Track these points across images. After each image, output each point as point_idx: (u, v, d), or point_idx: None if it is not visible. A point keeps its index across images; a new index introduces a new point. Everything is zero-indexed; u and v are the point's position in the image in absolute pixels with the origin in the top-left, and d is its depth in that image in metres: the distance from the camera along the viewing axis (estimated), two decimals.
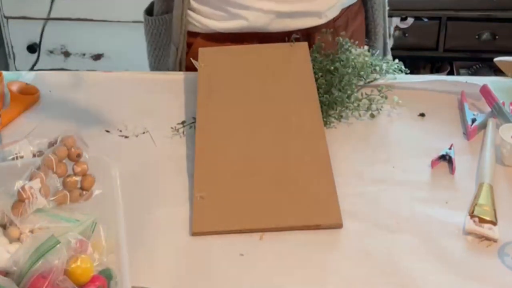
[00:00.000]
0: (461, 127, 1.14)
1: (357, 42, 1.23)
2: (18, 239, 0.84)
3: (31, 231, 0.84)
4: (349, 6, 1.33)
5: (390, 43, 1.44)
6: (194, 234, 0.94)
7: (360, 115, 1.16)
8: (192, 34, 1.30)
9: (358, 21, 1.35)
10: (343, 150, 1.09)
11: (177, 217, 0.97)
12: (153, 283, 0.87)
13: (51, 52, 2.73)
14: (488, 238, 0.92)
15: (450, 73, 2.74)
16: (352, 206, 0.97)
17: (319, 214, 0.95)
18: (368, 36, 1.39)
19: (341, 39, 1.23)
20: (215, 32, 1.28)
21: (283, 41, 1.25)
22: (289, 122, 1.08)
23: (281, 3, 1.23)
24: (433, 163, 1.05)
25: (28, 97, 1.21)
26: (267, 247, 0.92)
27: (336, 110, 1.16)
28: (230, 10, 1.24)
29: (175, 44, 1.30)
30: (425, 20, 2.69)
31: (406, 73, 1.23)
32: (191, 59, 1.25)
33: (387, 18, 1.40)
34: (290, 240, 0.93)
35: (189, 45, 1.31)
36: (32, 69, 2.70)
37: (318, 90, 1.14)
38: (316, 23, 1.27)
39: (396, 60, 1.22)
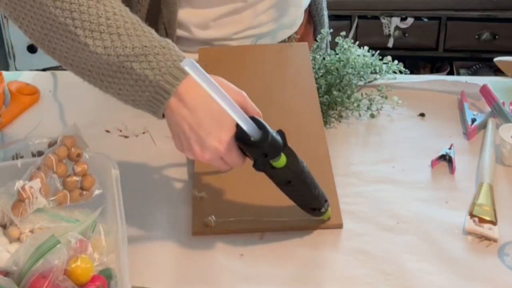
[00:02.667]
0: (461, 127, 1.14)
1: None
2: (18, 239, 0.84)
3: (31, 231, 0.84)
4: None
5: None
6: (194, 234, 0.94)
7: (360, 115, 1.16)
8: None
9: (306, 14, 1.36)
10: (343, 150, 1.09)
11: (177, 217, 0.97)
12: (153, 283, 0.87)
13: None
14: (488, 238, 0.92)
15: (450, 73, 2.75)
16: (352, 206, 0.97)
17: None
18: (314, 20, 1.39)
19: (341, 39, 1.23)
20: None
21: None
22: (289, 122, 1.08)
23: (260, 26, 1.24)
24: (433, 163, 1.05)
25: (28, 97, 1.21)
26: (267, 247, 0.92)
27: (336, 110, 1.16)
28: (214, 44, 1.24)
29: None
30: (425, 20, 2.69)
31: (406, 73, 1.23)
32: (192, 59, 1.25)
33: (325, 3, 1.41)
34: (290, 240, 0.93)
35: None
36: (32, 69, 2.70)
37: (318, 90, 1.14)
38: (291, 33, 1.29)
39: (396, 62, 1.22)
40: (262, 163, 0.83)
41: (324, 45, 1.28)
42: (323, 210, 0.92)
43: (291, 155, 0.85)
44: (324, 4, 1.37)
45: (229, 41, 1.23)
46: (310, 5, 1.35)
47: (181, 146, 0.87)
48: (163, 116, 0.87)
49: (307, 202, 0.90)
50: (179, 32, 1.22)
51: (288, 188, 0.88)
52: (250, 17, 1.22)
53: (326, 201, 0.91)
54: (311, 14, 1.36)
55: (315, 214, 0.92)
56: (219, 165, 0.88)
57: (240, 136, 0.83)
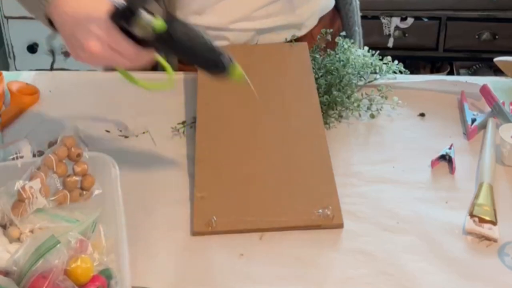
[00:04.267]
0: (461, 127, 1.14)
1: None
2: (18, 239, 0.84)
3: (31, 231, 0.84)
4: (323, 15, 1.34)
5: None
6: (194, 234, 0.94)
7: (360, 115, 1.16)
8: None
9: (335, 28, 1.34)
10: (343, 150, 1.09)
11: (177, 217, 0.97)
12: (153, 283, 0.87)
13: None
14: (488, 238, 0.92)
15: (450, 73, 2.74)
16: (352, 206, 0.97)
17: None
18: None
19: (341, 39, 1.23)
20: None
21: None
22: (289, 122, 1.08)
23: (260, 20, 1.23)
24: (433, 163, 1.05)
25: (28, 97, 1.21)
26: (267, 247, 0.92)
27: (336, 110, 1.16)
28: (210, 32, 1.24)
29: None
30: (425, 20, 2.69)
31: (406, 73, 1.23)
32: None
33: (359, 20, 1.40)
34: (290, 240, 0.93)
35: None
36: (32, 69, 2.70)
37: (318, 90, 1.14)
38: (299, 34, 1.28)
39: (396, 62, 1.22)
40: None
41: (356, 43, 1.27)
42: (226, 61, 0.90)
43: (174, 20, 0.87)
44: (354, 7, 1.35)
45: (226, 31, 1.23)
46: (338, 8, 1.34)
47: (73, 49, 0.91)
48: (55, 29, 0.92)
49: (208, 58, 0.90)
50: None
51: (182, 47, 0.89)
52: (250, 5, 1.21)
53: (230, 59, 0.91)
54: (340, 15, 1.36)
55: (221, 70, 0.91)
56: (113, 58, 0.90)
57: (115, 13, 0.86)
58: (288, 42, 1.26)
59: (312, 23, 1.30)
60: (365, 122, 1.15)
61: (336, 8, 1.36)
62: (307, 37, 1.29)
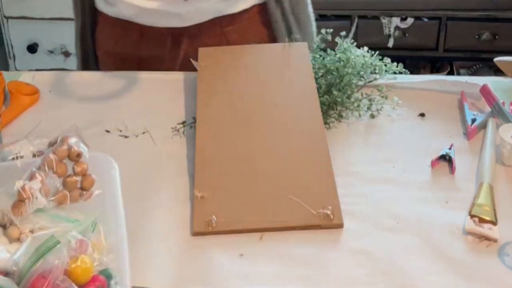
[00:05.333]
0: (461, 127, 1.14)
1: None
2: (18, 239, 0.84)
3: (31, 231, 0.84)
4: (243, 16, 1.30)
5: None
6: (194, 234, 0.94)
7: (360, 115, 1.16)
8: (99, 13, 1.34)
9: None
10: (343, 150, 1.09)
11: (177, 217, 0.97)
12: (153, 283, 0.87)
13: (51, 52, 2.74)
14: (488, 238, 0.92)
15: (450, 73, 2.74)
16: (352, 206, 0.97)
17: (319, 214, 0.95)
18: None
19: (341, 39, 1.23)
20: (107, 15, 1.32)
21: (160, 36, 1.28)
22: (289, 122, 1.08)
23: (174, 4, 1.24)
24: (433, 163, 1.05)
25: (28, 97, 1.21)
26: (267, 247, 0.92)
27: (336, 110, 1.16)
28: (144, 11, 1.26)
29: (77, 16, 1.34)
30: (425, 20, 2.69)
31: (406, 73, 1.23)
32: (191, 59, 1.25)
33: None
34: (290, 240, 0.93)
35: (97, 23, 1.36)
36: (32, 69, 2.70)
37: (318, 90, 1.15)
38: (180, 25, 1.28)
39: (394, 63, 1.22)
40: None
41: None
42: None
43: None
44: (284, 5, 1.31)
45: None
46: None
47: None
48: None
49: None
50: None
51: None
52: None
53: None
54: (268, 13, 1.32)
55: None
56: None
57: None
58: (288, 42, 1.26)
59: (197, 19, 1.28)
60: (365, 122, 1.15)
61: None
62: (191, 29, 1.28)
